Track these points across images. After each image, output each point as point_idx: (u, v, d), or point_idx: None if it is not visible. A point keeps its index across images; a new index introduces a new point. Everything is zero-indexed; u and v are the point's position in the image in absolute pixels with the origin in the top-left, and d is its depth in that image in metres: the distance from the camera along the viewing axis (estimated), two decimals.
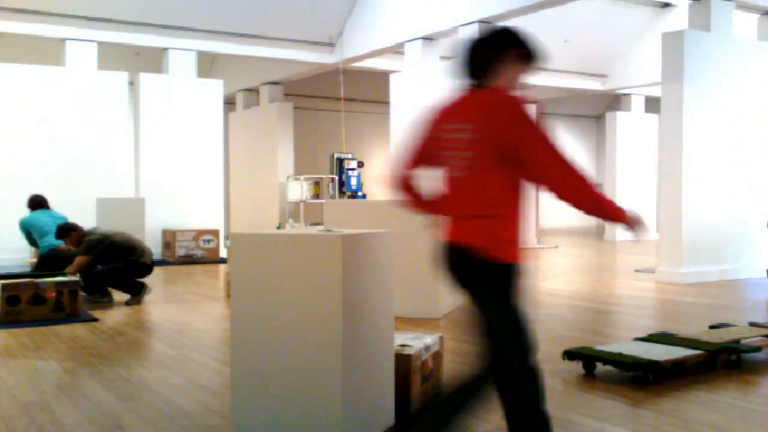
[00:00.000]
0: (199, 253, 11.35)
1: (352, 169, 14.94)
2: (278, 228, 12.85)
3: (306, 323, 2.94)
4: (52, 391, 3.89)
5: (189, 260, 11.24)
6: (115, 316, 6.36)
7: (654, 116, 16.32)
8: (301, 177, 14.60)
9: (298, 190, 14.59)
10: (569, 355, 4.27)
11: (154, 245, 11.42)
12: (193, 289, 8.14)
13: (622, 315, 6.55)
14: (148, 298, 7.10)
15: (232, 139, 16.79)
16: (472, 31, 10.21)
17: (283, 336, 2.98)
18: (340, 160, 15.02)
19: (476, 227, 2.41)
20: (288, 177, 14.98)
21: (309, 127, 17.45)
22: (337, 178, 14.84)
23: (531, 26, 14.22)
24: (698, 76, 8.63)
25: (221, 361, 4.63)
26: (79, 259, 6.68)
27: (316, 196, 14.85)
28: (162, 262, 11.19)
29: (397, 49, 12.02)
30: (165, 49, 12.00)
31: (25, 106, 10.75)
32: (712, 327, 5.15)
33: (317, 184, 15.11)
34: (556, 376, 4.16)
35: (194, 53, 12.14)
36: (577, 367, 4.30)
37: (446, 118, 2.51)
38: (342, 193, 14.74)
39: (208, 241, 11.41)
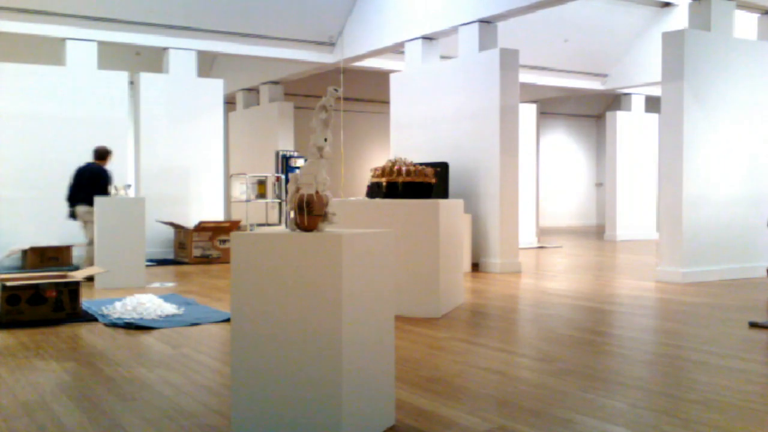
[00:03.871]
0: (214, 253, 11.33)
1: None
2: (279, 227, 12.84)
3: (306, 323, 2.94)
4: (52, 391, 3.89)
5: (205, 261, 11.21)
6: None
7: (654, 116, 16.32)
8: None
9: None
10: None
11: (154, 245, 11.44)
12: (193, 289, 8.13)
13: (623, 315, 6.55)
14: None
15: (232, 139, 16.79)
16: (472, 31, 10.20)
17: (283, 336, 2.98)
18: (286, 158, 14.74)
19: None
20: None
21: (309, 127, 17.45)
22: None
23: (531, 26, 14.17)
24: (698, 76, 8.62)
25: (221, 360, 4.63)
26: None
27: None
28: (175, 262, 11.19)
29: (397, 49, 12.02)
30: (165, 49, 12.00)
31: (25, 106, 10.75)
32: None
33: None
34: (556, 376, 4.16)
35: (194, 53, 12.14)
36: (577, 366, 4.29)
37: None
38: None
39: (224, 241, 11.37)
